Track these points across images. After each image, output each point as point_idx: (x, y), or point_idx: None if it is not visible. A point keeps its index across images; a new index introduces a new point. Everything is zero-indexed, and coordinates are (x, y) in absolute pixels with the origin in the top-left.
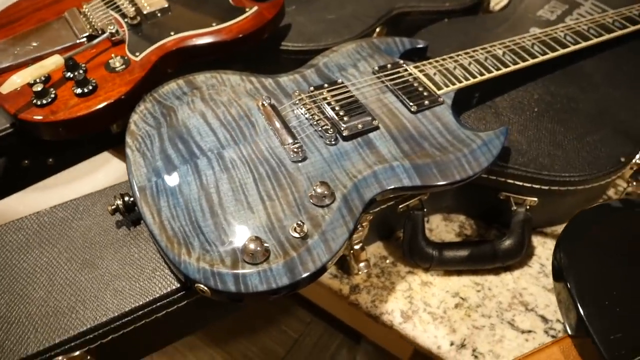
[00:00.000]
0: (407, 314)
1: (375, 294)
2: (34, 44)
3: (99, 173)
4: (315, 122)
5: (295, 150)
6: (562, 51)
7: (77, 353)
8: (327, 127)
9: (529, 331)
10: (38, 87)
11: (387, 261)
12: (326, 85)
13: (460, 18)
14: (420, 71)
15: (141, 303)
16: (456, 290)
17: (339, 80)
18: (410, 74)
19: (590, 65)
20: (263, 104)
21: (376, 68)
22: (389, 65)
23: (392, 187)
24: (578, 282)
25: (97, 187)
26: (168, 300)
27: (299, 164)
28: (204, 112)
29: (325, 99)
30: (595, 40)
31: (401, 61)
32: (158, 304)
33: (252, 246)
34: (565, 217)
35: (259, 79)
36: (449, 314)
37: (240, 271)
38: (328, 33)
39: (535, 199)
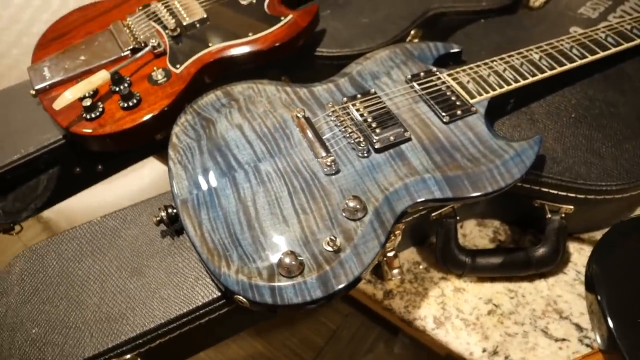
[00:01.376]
0: (439, 320)
1: (408, 300)
2: (82, 57)
3: (144, 169)
4: (348, 135)
5: (328, 163)
6: (602, 54)
7: (128, 356)
8: (360, 139)
9: (563, 339)
10: (87, 102)
11: (421, 267)
12: (359, 95)
13: (496, 18)
14: (454, 79)
15: (185, 311)
16: (489, 296)
17: (372, 90)
18: (443, 82)
19: (631, 67)
20: (297, 116)
21: (409, 76)
22: (422, 74)
23: (423, 199)
24: (609, 295)
25: (143, 183)
26: (210, 308)
27: (332, 177)
28: (241, 124)
29: (358, 110)
30: (638, 41)
31: (434, 69)
32: (201, 311)
33: (287, 260)
34: (604, 224)
35: (294, 89)
36: (481, 320)
37: (276, 284)
38: (361, 38)
39: (571, 207)
